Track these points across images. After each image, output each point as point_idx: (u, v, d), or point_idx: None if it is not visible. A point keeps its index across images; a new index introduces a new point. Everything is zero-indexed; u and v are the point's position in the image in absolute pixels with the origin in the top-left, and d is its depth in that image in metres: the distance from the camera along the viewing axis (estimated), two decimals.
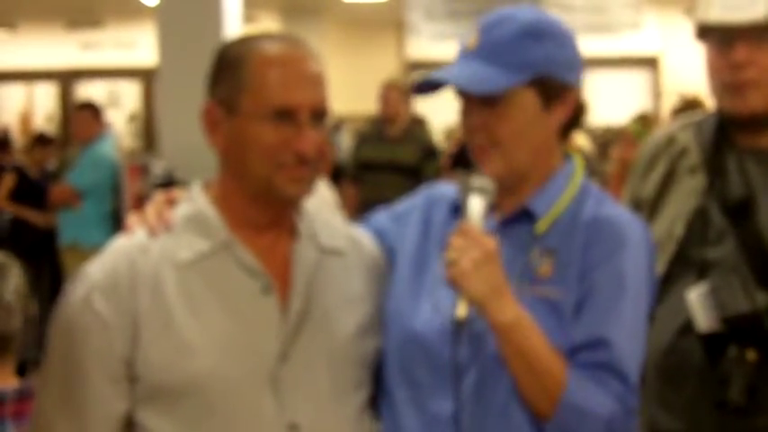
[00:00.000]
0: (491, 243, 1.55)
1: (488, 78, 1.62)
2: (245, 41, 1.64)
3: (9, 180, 7.28)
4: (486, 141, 1.66)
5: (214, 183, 1.67)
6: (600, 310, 1.59)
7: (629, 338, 1.59)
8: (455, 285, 1.55)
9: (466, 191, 1.63)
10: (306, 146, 1.57)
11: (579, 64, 1.72)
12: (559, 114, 1.69)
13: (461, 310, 1.55)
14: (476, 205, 1.61)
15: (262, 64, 1.58)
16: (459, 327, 1.57)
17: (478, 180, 1.63)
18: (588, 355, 1.57)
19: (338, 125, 9.98)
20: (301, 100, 1.58)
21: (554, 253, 1.63)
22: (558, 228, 1.66)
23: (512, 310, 1.55)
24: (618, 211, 1.70)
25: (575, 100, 1.70)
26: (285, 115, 1.56)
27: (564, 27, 1.71)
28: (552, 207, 1.67)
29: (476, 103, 1.65)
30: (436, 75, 1.66)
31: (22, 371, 2.26)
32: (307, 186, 1.61)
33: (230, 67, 1.60)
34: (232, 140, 1.59)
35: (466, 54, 1.68)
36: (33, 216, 7.15)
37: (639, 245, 1.65)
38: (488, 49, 1.65)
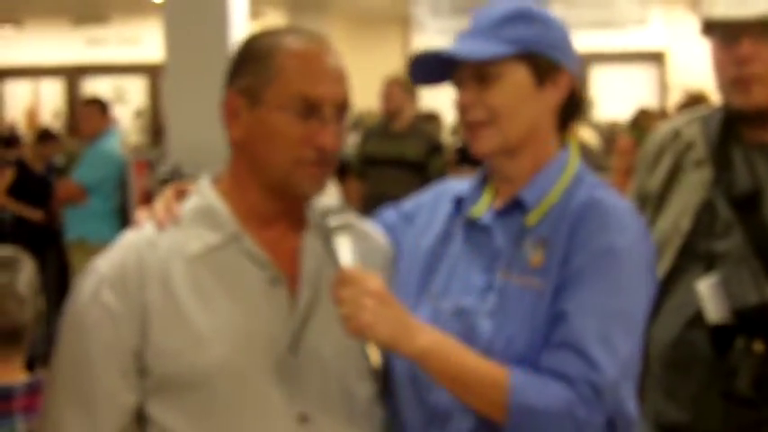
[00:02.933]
0: (378, 283, 1.51)
1: (478, 48, 1.65)
2: (270, 35, 1.65)
3: (7, 175, 7.27)
4: (480, 116, 1.66)
5: (223, 175, 1.68)
6: (568, 286, 1.57)
7: (593, 314, 1.54)
8: (360, 337, 1.51)
9: (328, 234, 1.58)
10: (327, 140, 1.58)
11: (571, 50, 1.73)
12: (552, 95, 1.69)
13: (374, 357, 1.52)
14: (344, 246, 1.56)
15: (288, 56, 1.59)
16: (378, 372, 1.56)
17: (336, 218, 1.58)
18: (551, 333, 1.55)
19: (357, 123, 9.97)
20: (326, 94, 1.59)
21: (546, 243, 1.63)
22: (551, 217, 1.65)
23: (423, 338, 1.52)
24: (607, 195, 1.67)
25: (568, 84, 1.71)
26: (310, 108, 1.57)
27: (553, 15, 1.73)
28: (544, 198, 1.67)
29: (470, 81, 1.67)
30: (429, 52, 1.68)
31: (30, 365, 2.28)
32: (322, 185, 1.62)
33: (255, 59, 1.61)
34: (253, 131, 1.60)
35: (460, 36, 1.71)
36: (29, 212, 7.14)
37: (625, 226, 1.62)
38: (479, 28, 1.69)
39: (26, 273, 2.26)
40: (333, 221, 1.58)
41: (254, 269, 1.60)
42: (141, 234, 1.63)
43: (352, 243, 1.57)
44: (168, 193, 1.69)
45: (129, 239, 1.63)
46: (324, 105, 1.58)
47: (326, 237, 1.58)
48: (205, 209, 1.63)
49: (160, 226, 1.63)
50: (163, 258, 1.59)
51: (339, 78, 1.62)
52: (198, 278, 1.58)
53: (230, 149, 1.66)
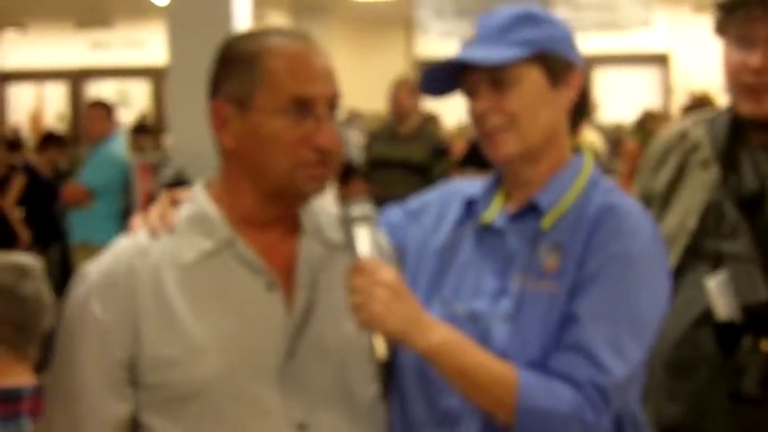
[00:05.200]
0: (392, 274, 1.50)
1: (492, 54, 1.63)
2: (252, 38, 1.62)
3: (20, 182, 7.29)
4: (499, 121, 1.65)
5: (215, 181, 1.65)
6: (581, 289, 1.57)
7: (605, 318, 1.55)
8: (370, 329, 1.49)
9: (348, 224, 1.55)
10: (326, 140, 1.55)
11: (575, 46, 1.72)
12: (566, 95, 1.69)
13: (380, 349, 1.49)
14: (363, 237, 1.54)
15: (275, 58, 1.56)
16: (383, 367, 1.55)
17: (358, 208, 1.56)
18: (562, 336, 1.55)
19: (350, 119, 9.96)
20: (317, 91, 1.56)
21: (560, 247, 1.62)
22: (565, 222, 1.65)
23: (435, 334, 1.51)
24: (622, 200, 1.67)
25: (579, 82, 1.70)
26: (302, 108, 1.55)
27: (554, 15, 1.72)
28: (558, 202, 1.66)
29: (484, 88, 1.66)
30: (440, 62, 1.67)
31: (38, 369, 2.30)
32: (324, 185, 1.60)
33: (240, 64, 1.58)
34: (246, 138, 1.57)
35: (467, 43, 1.69)
36: (20, 230, 7.13)
37: (639, 231, 1.62)
38: (487, 34, 1.67)
39: (33, 280, 2.30)
40: (355, 211, 1.56)
41: (248, 275, 1.58)
42: (134, 241, 1.61)
43: (370, 234, 1.55)
44: (163, 200, 1.68)
45: (120, 247, 1.61)
46: (317, 104, 1.56)
47: (345, 226, 1.56)
48: (198, 215, 1.61)
49: (153, 233, 1.61)
50: (155, 266, 1.56)
51: (328, 75, 1.59)
52: (192, 286, 1.56)
53: (221, 157, 1.63)
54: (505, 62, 1.63)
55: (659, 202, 2.18)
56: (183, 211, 1.63)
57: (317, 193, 1.60)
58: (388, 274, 1.50)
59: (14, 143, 8.52)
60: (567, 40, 1.70)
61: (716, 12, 2.09)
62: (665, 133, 2.26)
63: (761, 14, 2.00)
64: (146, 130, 7.99)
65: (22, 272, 2.31)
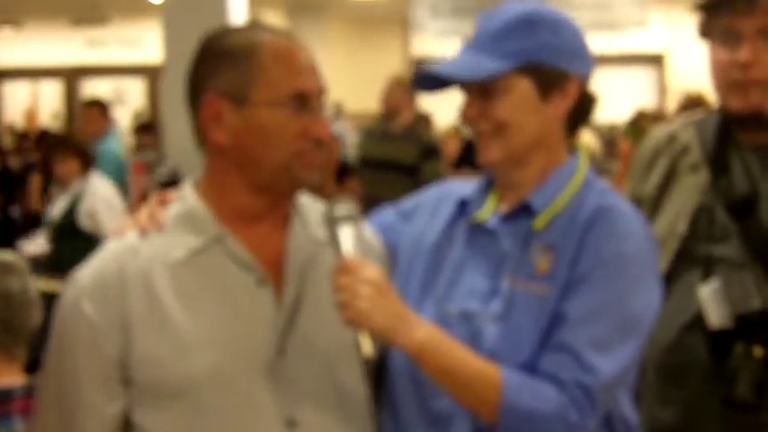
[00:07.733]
0: (377, 272, 1.52)
1: (476, 66, 1.64)
2: (238, 33, 1.65)
3: (37, 180, 7.33)
4: (486, 128, 1.66)
5: (202, 179, 1.67)
6: (571, 289, 1.57)
7: (593, 318, 1.54)
8: (355, 326, 1.50)
9: (332, 223, 1.57)
10: (322, 130, 1.60)
11: (582, 52, 1.71)
12: (559, 105, 1.67)
13: (366, 347, 1.50)
14: (347, 236, 1.56)
15: (269, 54, 1.59)
16: (369, 364, 1.56)
17: (342, 208, 1.58)
18: (551, 336, 1.55)
19: (337, 112, 10.00)
20: (312, 85, 1.61)
21: (553, 249, 1.62)
22: (559, 224, 1.64)
23: (420, 331, 1.52)
24: (617, 201, 1.67)
25: (577, 90, 1.69)
26: (301, 102, 1.59)
27: (564, 17, 1.70)
28: (551, 203, 1.66)
29: (474, 93, 1.67)
30: (431, 68, 1.68)
31: (30, 368, 2.29)
32: (318, 172, 1.63)
33: (231, 59, 1.60)
34: (243, 132, 1.59)
35: (464, 46, 1.70)
36: None
37: (632, 233, 1.62)
38: (481, 39, 1.67)
39: (18, 278, 2.29)
40: (339, 211, 1.58)
41: (238, 271, 1.59)
42: (123, 242, 1.62)
43: (355, 233, 1.56)
44: (152, 200, 1.69)
45: (110, 248, 1.63)
46: (312, 97, 1.60)
47: (330, 225, 1.57)
48: (187, 213, 1.63)
49: (143, 233, 1.62)
50: (145, 265, 1.58)
51: (316, 69, 1.64)
52: (182, 283, 1.57)
53: (208, 153, 1.64)
54: (488, 77, 1.63)
55: (649, 206, 2.17)
56: (172, 210, 1.65)
57: (314, 178, 1.63)
58: (372, 271, 1.51)
59: (23, 136, 8.51)
60: (566, 46, 1.67)
61: (699, 14, 2.10)
62: (654, 136, 2.26)
63: (745, 10, 2.01)
64: (149, 129, 7.97)
65: (5, 269, 2.29)
